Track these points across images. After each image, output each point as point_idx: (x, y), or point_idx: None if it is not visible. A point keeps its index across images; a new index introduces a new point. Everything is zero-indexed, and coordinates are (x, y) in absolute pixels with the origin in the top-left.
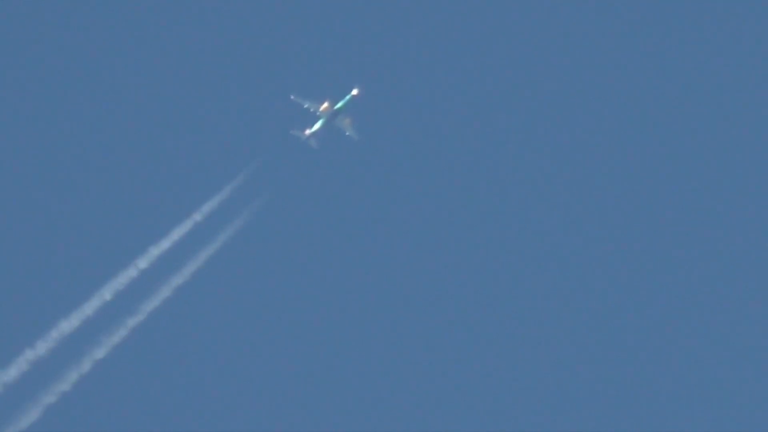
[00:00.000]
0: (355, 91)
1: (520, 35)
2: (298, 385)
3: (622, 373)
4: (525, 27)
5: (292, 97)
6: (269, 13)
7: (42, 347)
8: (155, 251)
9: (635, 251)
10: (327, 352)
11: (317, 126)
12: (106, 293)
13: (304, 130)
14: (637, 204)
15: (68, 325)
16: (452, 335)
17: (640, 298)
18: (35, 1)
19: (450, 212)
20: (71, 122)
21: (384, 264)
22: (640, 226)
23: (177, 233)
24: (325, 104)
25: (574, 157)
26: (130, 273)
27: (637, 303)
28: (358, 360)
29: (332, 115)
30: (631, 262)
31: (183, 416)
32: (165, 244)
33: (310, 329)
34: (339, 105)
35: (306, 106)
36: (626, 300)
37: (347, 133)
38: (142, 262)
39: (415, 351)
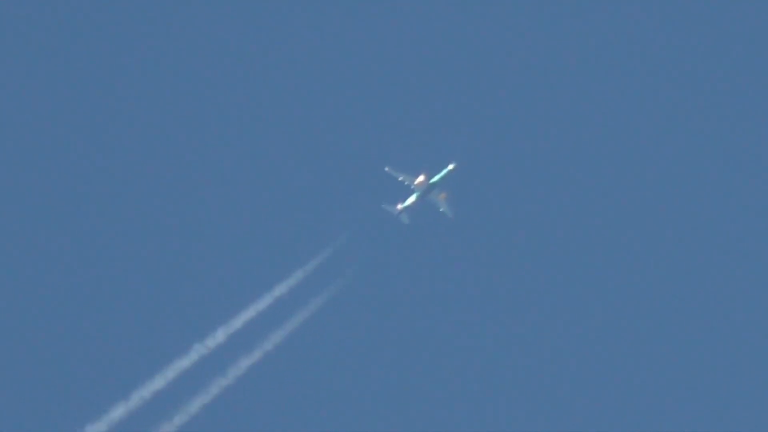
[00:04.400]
0: (452, 166)
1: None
2: None
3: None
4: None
5: (386, 169)
6: (370, 82)
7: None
8: (236, 323)
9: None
10: None
11: (411, 200)
12: (183, 365)
13: (396, 204)
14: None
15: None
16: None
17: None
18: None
19: (541, 295)
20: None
21: (468, 348)
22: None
23: (258, 306)
24: (421, 178)
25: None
26: (208, 344)
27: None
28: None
29: (427, 190)
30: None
31: None
32: (245, 317)
33: (399, 412)
34: (435, 179)
35: (401, 179)
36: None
37: (441, 209)
38: (222, 335)
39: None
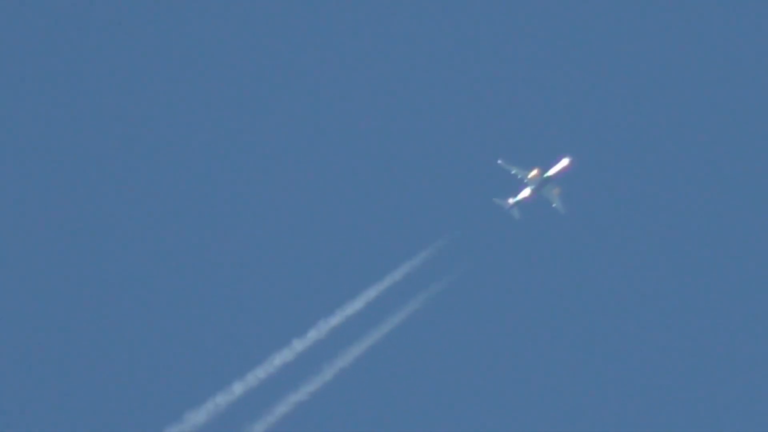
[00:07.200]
0: (566, 161)
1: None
2: None
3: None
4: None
5: (499, 161)
6: (484, 73)
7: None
8: (340, 316)
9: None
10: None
11: (523, 195)
12: (288, 355)
13: (507, 198)
14: None
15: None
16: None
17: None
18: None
19: (655, 297)
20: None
21: (577, 347)
22: None
23: (364, 299)
24: (534, 171)
25: None
26: (311, 338)
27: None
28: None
29: (540, 184)
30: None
31: None
32: (351, 309)
33: (499, 405)
34: (549, 173)
35: (513, 172)
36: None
37: (554, 205)
38: (325, 327)
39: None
